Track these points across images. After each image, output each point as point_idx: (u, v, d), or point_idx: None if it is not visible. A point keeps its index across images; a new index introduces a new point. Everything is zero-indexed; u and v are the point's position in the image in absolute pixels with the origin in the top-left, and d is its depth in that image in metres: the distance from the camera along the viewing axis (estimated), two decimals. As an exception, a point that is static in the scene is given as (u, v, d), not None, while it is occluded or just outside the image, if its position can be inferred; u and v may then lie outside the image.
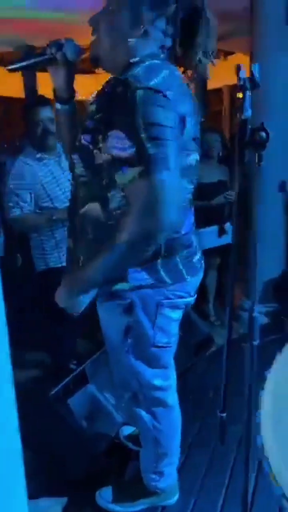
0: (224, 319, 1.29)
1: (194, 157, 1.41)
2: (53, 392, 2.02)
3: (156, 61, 1.29)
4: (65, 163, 2.34)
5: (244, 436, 1.23)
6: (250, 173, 1.18)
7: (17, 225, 2.53)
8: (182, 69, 1.39)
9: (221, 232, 3.36)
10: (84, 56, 1.41)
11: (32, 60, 1.37)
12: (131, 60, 1.30)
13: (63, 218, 2.18)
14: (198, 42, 1.32)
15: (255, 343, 1.21)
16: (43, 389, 2.11)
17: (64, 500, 1.85)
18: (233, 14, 3.27)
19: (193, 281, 1.51)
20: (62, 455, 2.06)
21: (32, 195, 2.40)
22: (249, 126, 1.11)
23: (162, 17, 1.31)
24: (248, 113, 1.10)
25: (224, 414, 1.32)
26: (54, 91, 1.47)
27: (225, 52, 5.76)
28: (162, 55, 1.34)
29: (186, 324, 1.63)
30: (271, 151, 1.16)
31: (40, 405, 2.04)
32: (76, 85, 1.47)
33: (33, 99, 3.95)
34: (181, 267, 1.45)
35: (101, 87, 1.43)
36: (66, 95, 1.47)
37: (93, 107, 1.37)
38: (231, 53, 5.76)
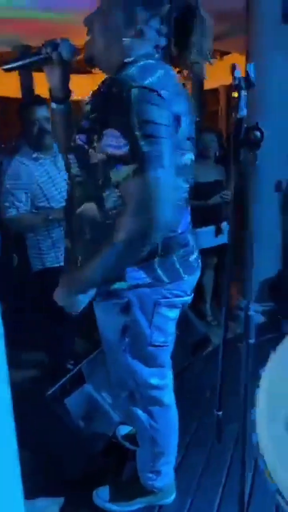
0: (221, 319, 1.29)
1: (189, 156, 1.42)
2: (50, 392, 2.02)
3: (150, 61, 1.29)
4: (61, 163, 2.34)
5: (240, 434, 1.23)
6: (246, 172, 1.18)
7: (13, 225, 2.53)
8: (177, 68, 1.39)
9: (218, 231, 3.37)
10: (79, 56, 1.41)
11: (28, 60, 1.37)
12: (126, 60, 1.30)
13: (59, 218, 2.18)
14: (193, 41, 1.32)
15: (251, 341, 1.21)
16: (40, 389, 2.10)
17: (61, 500, 1.85)
18: (229, 13, 3.28)
19: (190, 280, 1.51)
20: (59, 455, 2.07)
21: (28, 195, 2.40)
22: (245, 125, 1.11)
23: (156, 16, 1.30)
24: (243, 112, 1.11)
25: (221, 413, 1.33)
26: (50, 90, 1.47)
27: (221, 52, 5.77)
28: (156, 55, 1.34)
29: (183, 323, 1.63)
30: (267, 150, 1.16)
31: (37, 405, 2.04)
32: (72, 85, 1.47)
33: (29, 99, 3.94)
34: (178, 266, 1.45)
35: (97, 87, 1.43)
36: (62, 94, 1.47)
37: (88, 107, 1.37)
38: (227, 53, 5.77)
